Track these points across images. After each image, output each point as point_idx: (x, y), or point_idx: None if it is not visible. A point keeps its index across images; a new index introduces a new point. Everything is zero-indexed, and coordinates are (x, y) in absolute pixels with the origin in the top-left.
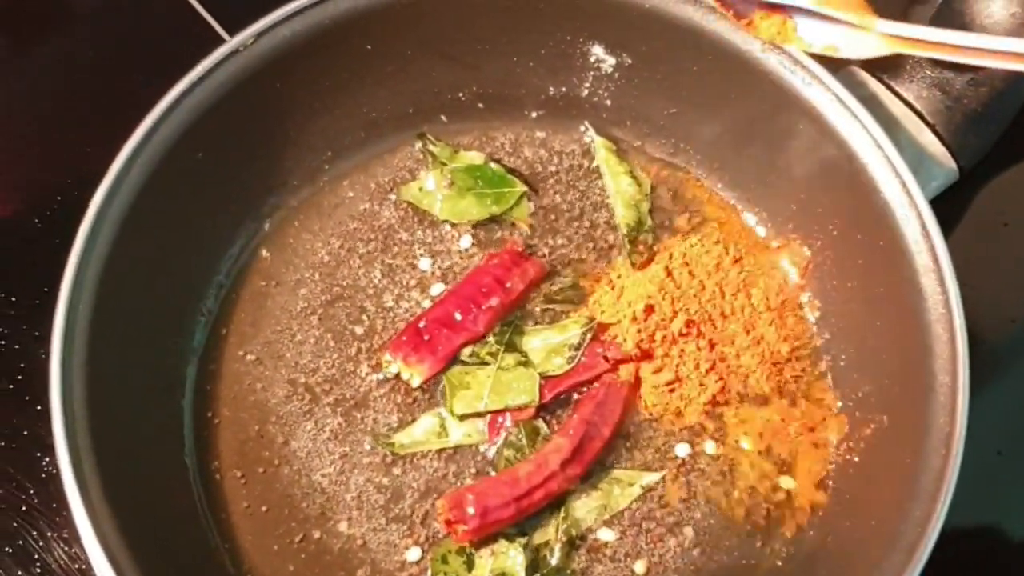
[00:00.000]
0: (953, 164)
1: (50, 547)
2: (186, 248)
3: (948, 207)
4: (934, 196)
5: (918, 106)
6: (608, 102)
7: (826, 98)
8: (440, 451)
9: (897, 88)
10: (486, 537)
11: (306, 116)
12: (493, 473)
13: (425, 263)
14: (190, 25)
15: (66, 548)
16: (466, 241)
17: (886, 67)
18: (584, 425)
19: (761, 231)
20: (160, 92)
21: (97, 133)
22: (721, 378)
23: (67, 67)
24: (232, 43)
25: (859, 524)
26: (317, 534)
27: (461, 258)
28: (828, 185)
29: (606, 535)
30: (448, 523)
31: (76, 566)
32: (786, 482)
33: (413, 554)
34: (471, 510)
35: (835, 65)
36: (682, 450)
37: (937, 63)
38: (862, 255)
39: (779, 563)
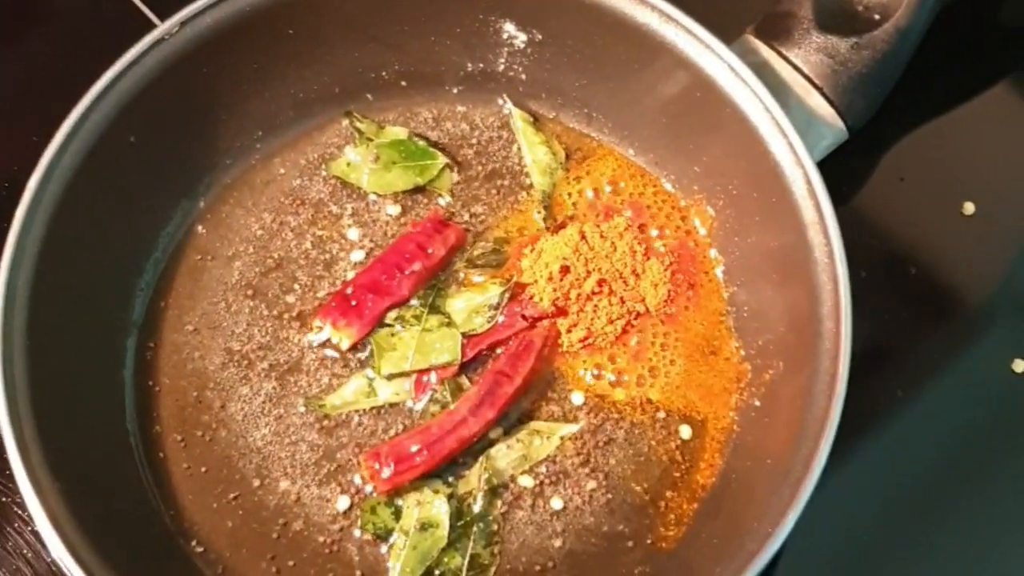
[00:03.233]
0: (841, 124)
1: (7, 514)
2: (123, 227)
3: (846, 166)
4: (825, 155)
5: (806, 70)
6: (523, 76)
7: (719, 65)
8: (369, 410)
9: (787, 54)
10: (407, 486)
11: (235, 98)
12: None
13: (353, 233)
14: (124, 12)
15: (22, 512)
16: (392, 211)
17: (777, 34)
18: (493, 375)
19: (671, 192)
20: (96, 79)
21: (40, 121)
22: (631, 332)
23: (7, 56)
24: (157, 32)
25: (757, 464)
26: (253, 492)
27: (387, 228)
28: (725, 148)
29: (526, 482)
30: (370, 475)
31: (31, 528)
32: (693, 429)
33: (343, 505)
34: (386, 460)
35: (731, 33)
36: (597, 401)
37: (823, 29)
38: (758, 212)
39: (687, 505)
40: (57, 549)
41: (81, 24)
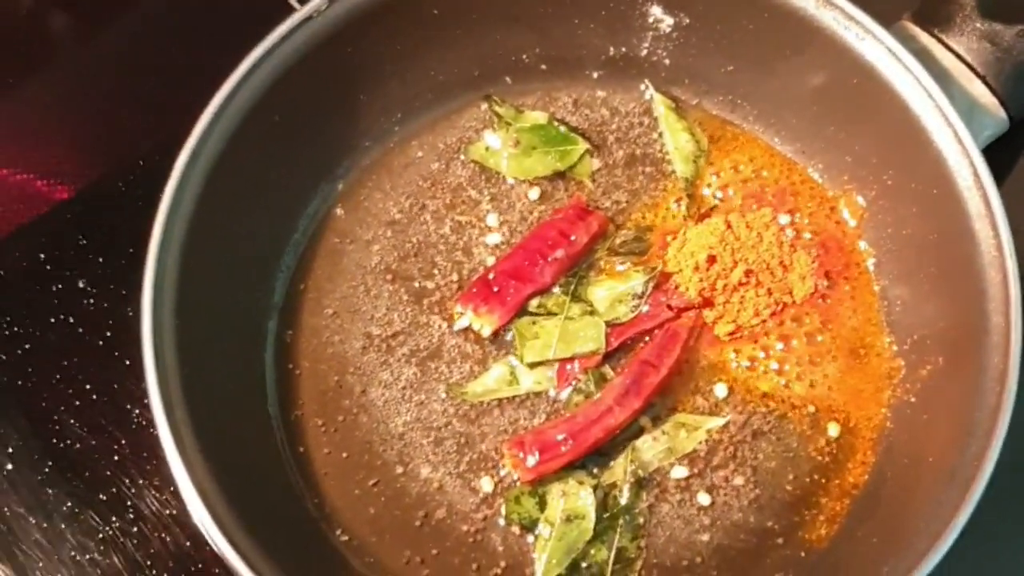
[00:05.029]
0: (1003, 114)
1: (142, 494)
2: (265, 208)
3: (1001, 156)
4: (986, 145)
5: (968, 58)
6: (667, 61)
7: (879, 51)
8: (511, 398)
9: (948, 41)
10: (551, 475)
11: (376, 79)
12: None
13: (492, 219)
14: None
15: (157, 495)
16: (532, 197)
17: (937, 20)
18: (639, 364)
19: (819, 183)
20: (236, 60)
21: (177, 100)
22: (779, 324)
23: (147, 36)
24: (305, 11)
25: (917, 462)
26: (395, 479)
27: (527, 214)
28: (882, 137)
29: (672, 474)
30: (514, 464)
31: (167, 511)
32: (844, 427)
33: (488, 495)
34: (532, 449)
35: (887, 20)
36: (744, 394)
37: (986, 15)
38: (916, 203)
39: (839, 503)
40: (208, 525)
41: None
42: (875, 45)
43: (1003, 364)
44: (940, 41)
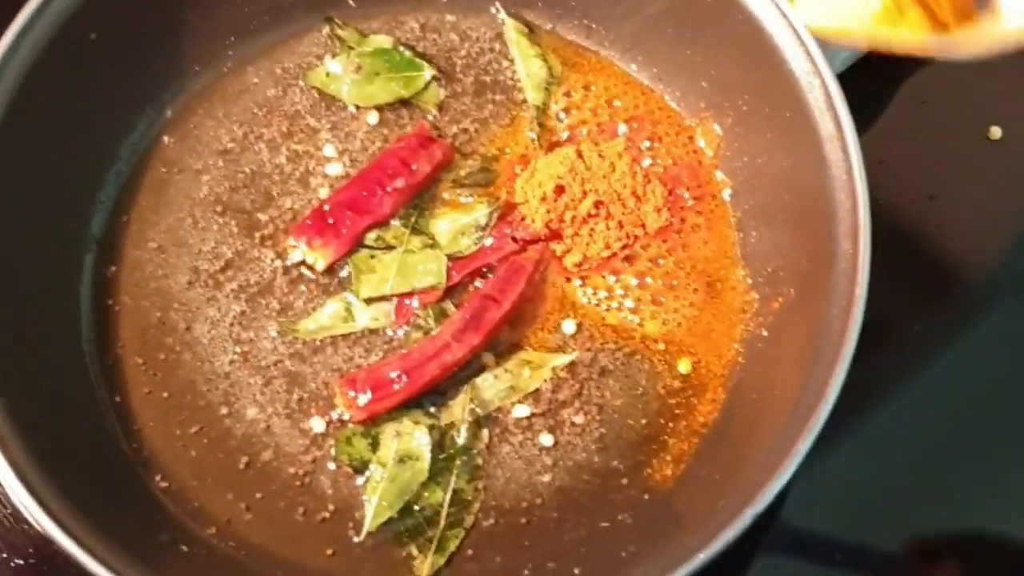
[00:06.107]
0: None
1: None
2: (82, 135)
3: (865, 85)
4: (843, 69)
5: None
6: None
7: None
8: (347, 336)
9: None
10: (385, 414)
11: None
12: None
13: (331, 149)
14: None
15: None
16: (373, 122)
17: None
18: (480, 299)
19: (676, 111)
20: None
21: None
22: (630, 258)
23: None
24: None
25: (764, 396)
26: (219, 420)
27: (368, 144)
28: (737, 59)
29: (514, 414)
30: (346, 404)
31: None
32: (695, 364)
33: (318, 436)
34: (363, 387)
35: None
36: (592, 331)
37: None
38: (770, 129)
39: (686, 442)
40: (6, 474)
41: None
42: None
43: (850, 291)
44: None
